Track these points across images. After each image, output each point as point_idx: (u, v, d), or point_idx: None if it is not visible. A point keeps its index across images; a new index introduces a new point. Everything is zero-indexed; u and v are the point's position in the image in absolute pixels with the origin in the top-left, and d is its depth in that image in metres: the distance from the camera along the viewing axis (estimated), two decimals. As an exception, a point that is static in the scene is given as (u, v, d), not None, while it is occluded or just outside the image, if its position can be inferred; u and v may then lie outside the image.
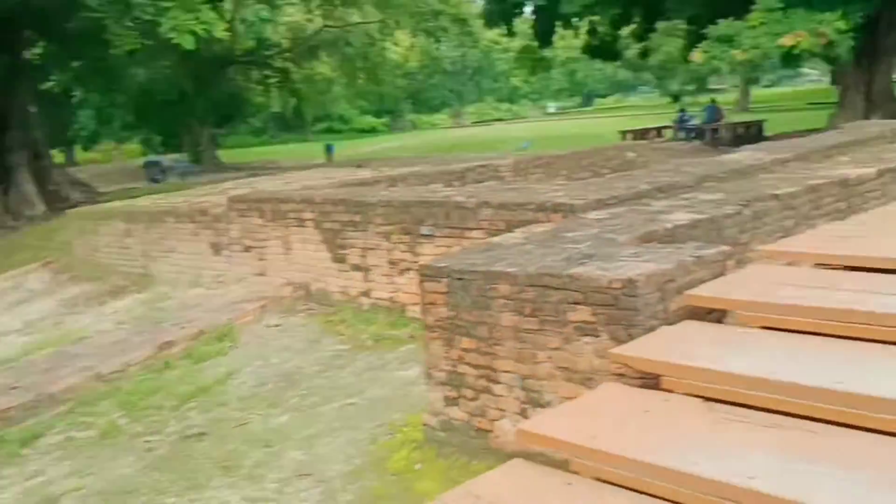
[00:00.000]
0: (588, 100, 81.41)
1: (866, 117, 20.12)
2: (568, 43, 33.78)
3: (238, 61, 32.75)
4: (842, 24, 15.66)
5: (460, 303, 4.70)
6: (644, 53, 26.72)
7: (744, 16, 16.70)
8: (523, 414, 4.55)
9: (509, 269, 4.39)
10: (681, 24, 25.03)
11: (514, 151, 23.23)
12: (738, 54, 16.72)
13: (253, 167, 34.52)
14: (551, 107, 72.16)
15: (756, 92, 55.30)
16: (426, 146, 39.39)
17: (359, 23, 32.38)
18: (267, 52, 34.08)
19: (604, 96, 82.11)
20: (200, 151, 33.08)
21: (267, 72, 34.69)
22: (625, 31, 25.07)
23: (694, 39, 18.13)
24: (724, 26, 16.75)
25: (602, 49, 25.14)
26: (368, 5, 30.67)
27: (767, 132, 29.15)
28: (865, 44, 19.72)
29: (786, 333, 3.43)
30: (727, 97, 53.31)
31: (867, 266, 3.81)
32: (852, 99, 20.21)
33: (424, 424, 5.27)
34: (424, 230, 6.99)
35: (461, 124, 78.51)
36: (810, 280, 3.74)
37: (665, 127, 31.60)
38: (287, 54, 33.91)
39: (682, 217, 5.39)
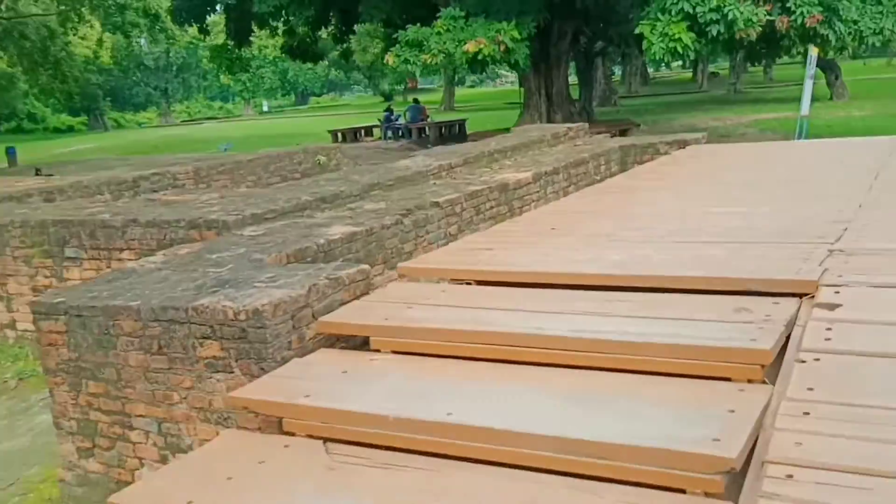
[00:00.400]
0: (303, 98, 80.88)
1: (549, 117, 21.87)
2: (277, 42, 33.09)
3: None
4: (516, 34, 16.73)
5: (81, 343, 4.12)
6: (345, 55, 26.83)
7: (432, 22, 17.31)
8: (164, 461, 4.10)
9: (132, 303, 3.89)
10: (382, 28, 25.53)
11: (218, 152, 22.25)
12: (427, 58, 17.27)
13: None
14: (265, 105, 70.57)
15: (461, 92, 58.33)
16: (126, 147, 36.58)
17: (34, 15, 29.18)
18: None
19: (319, 95, 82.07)
20: None
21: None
22: (324, 32, 24.95)
23: (390, 43, 18.43)
24: (412, 32, 17.19)
25: (301, 50, 24.82)
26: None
27: (469, 130, 30.98)
28: (541, 51, 21.43)
29: (414, 358, 3.31)
30: (435, 97, 55.78)
31: (499, 280, 3.83)
32: (535, 101, 21.81)
33: (60, 480, 4.63)
34: (69, 252, 6.20)
35: (169, 123, 74.36)
36: (443, 298, 3.67)
37: (374, 126, 32.20)
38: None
39: (340, 230, 5.19)
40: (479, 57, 16.94)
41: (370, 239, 5.29)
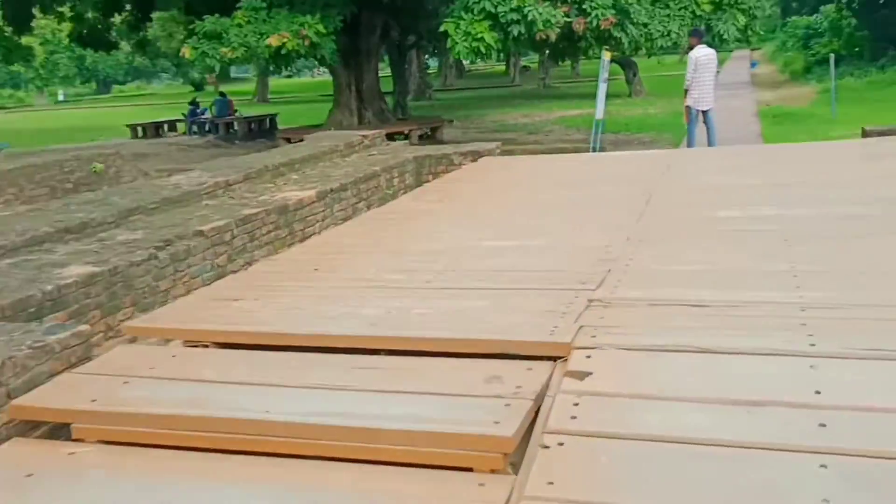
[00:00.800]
0: (106, 87, 75.61)
1: (359, 114, 21.46)
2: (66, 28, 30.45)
3: None
4: (321, 27, 16.16)
5: None
6: (140, 45, 25.07)
7: (232, 13, 16.38)
8: None
9: None
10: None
11: None
12: (227, 52, 16.34)
13: None
14: (61, 94, 65.19)
15: (275, 82, 56.65)
16: None
17: None
18: None
19: (123, 83, 77.02)
20: None
21: None
22: (118, 18, 23.18)
23: (190, 33, 17.28)
24: (210, 22, 16.20)
25: (92, 38, 22.93)
26: None
27: (281, 125, 29.90)
28: (350, 44, 20.95)
29: (122, 450, 2.79)
30: (248, 87, 53.78)
31: (239, 343, 3.36)
32: (346, 97, 21.31)
33: None
34: None
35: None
36: (168, 368, 3.16)
37: (178, 120, 30.34)
38: None
39: (77, 272, 4.51)
40: (283, 52, 16.23)
41: (115, 280, 4.65)
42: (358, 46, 21.09)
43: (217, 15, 16.46)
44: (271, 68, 20.10)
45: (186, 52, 16.65)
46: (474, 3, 13.63)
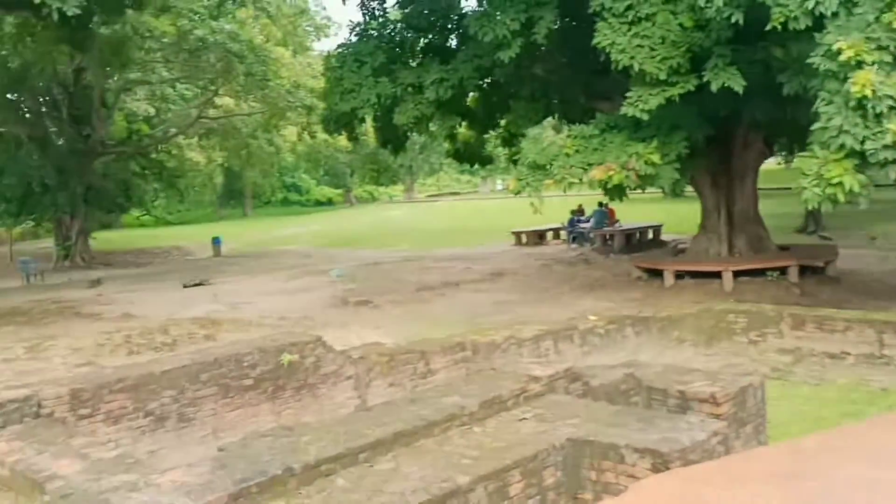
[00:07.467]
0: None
1: (729, 241, 18.10)
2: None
3: (107, 152, 30.87)
4: (655, 158, 13.63)
5: None
6: (515, 159, 24.81)
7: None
8: None
9: None
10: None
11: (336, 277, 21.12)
12: (549, 184, 14.74)
13: (126, 261, 32.42)
14: (499, 184, 69.95)
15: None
16: (328, 235, 37.31)
17: (236, 114, 31.01)
18: (140, 143, 32.45)
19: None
20: (69, 245, 30.93)
21: (142, 161, 32.89)
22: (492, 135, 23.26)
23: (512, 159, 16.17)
24: (533, 151, 14.77)
25: (467, 154, 23.25)
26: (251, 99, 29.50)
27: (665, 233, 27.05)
28: (719, 164, 17.83)
29: None
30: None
31: None
32: (713, 221, 18.20)
33: None
34: None
35: (412, 199, 76.88)
36: None
37: (560, 229, 29.39)
38: (161, 145, 32.34)
39: None
40: (609, 186, 14.05)
41: None
42: (730, 166, 17.90)
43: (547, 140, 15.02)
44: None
45: (511, 184, 15.47)
46: (831, 137, 10.00)
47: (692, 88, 13.21)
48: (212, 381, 7.96)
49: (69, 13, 13.47)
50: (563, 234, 29.22)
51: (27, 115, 29.49)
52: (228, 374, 8.08)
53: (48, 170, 28.72)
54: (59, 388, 7.20)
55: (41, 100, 30.34)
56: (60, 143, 29.54)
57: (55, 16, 13.78)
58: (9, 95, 28.06)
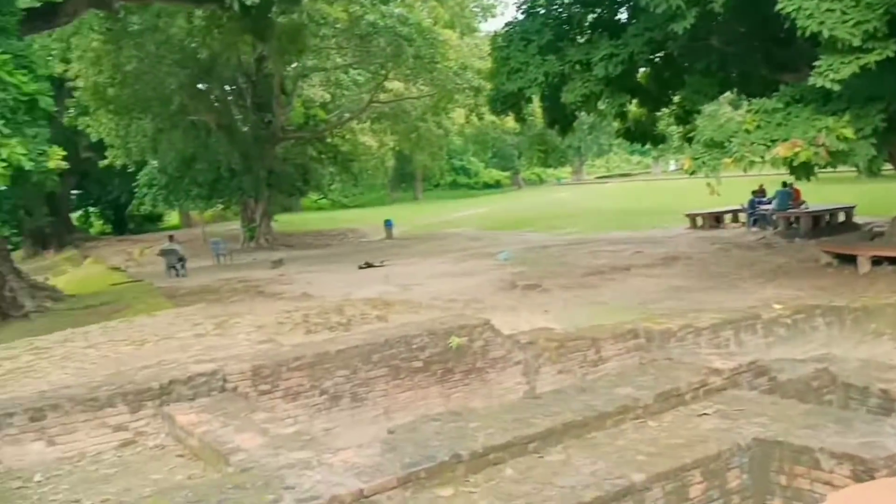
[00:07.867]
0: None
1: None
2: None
3: (287, 138, 32.51)
4: (847, 132, 12.49)
5: None
6: (690, 137, 23.64)
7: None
8: None
9: None
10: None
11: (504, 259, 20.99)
12: (728, 163, 13.87)
13: (305, 242, 34.05)
14: (672, 165, 67.29)
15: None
16: (494, 218, 37.44)
17: (405, 98, 31.68)
18: (316, 128, 33.93)
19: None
20: (254, 227, 32.92)
21: (319, 146, 34.40)
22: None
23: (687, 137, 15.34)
24: (710, 130, 13.95)
25: (638, 133, 22.41)
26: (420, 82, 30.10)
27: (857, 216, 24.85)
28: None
29: None
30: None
31: None
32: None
33: None
34: None
35: (580, 181, 75.81)
36: None
37: (739, 211, 27.82)
38: (335, 130, 33.68)
39: None
40: (795, 164, 13.04)
41: None
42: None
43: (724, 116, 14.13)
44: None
45: (686, 164, 14.71)
46: None
47: (891, 55, 11.98)
48: (382, 361, 8.10)
49: (249, 2, 14.14)
50: (742, 216, 27.68)
51: (216, 104, 31.52)
52: (399, 356, 8.19)
53: (235, 156, 30.54)
54: (241, 364, 7.58)
55: (227, 89, 32.35)
56: (245, 129, 31.36)
57: (236, 6, 14.52)
58: (199, 86, 30.04)
